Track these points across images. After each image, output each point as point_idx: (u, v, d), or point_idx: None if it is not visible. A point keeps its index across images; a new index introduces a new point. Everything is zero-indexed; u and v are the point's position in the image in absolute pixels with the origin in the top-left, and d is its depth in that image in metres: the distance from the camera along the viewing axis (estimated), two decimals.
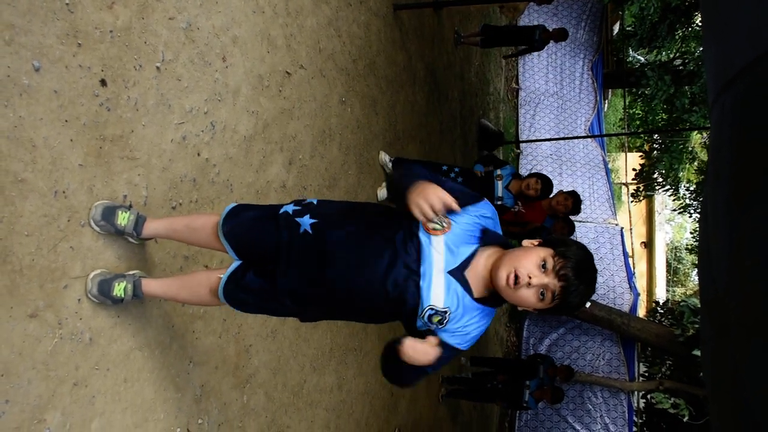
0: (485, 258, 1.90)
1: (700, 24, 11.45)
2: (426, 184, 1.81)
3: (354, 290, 1.93)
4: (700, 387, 10.11)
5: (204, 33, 2.85)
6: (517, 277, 1.78)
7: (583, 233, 11.92)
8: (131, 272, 2.36)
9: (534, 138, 12.14)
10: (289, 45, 3.61)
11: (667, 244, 26.72)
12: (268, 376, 3.45)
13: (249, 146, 3.22)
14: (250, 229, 2.15)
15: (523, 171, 12.13)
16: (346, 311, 2.08)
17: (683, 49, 13.23)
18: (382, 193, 4.72)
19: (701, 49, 12.07)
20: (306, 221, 2.03)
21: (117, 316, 2.33)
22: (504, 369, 7.54)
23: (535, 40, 7.99)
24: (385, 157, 4.75)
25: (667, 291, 24.67)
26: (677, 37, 12.30)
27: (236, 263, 2.19)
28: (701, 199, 13.25)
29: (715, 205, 5.24)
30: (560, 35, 8.02)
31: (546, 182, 4.92)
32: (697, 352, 9.54)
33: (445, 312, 1.85)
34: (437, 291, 1.84)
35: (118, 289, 2.24)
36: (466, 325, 1.90)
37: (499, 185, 4.76)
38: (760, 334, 3.86)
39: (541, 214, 6.10)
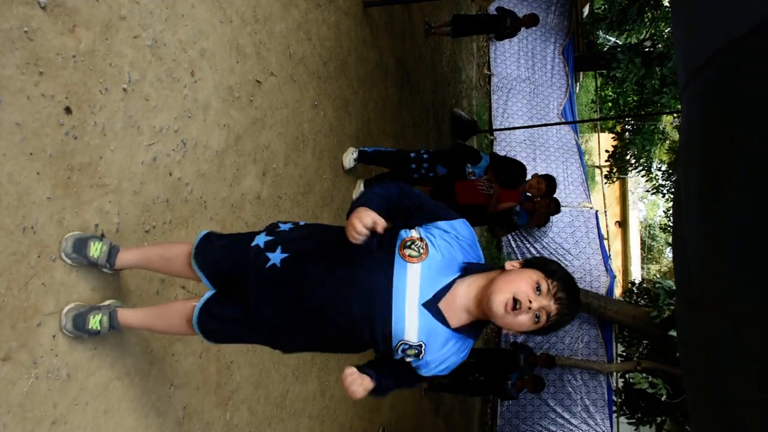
0: (466, 286, 1.87)
1: (669, 6, 11.52)
2: (361, 208, 1.79)
3: (327, 323, 1.90)
4: (676, 366, 10.29)
5: (171, 49, 2.78)
6: (516, 302, 1.76)
7: (558, 217, 12.01)
8: (106, 303, 2.30)
9: (507, 124, 12.17)
10: (259, 53, 3.54)
11: (641, 222, 27.04)
12: (250, 391, 3.42)
13: (221, 160, 3.17)
14: (223, 258, 2.11)
15: None
16: (322, 343, 2.05)
17: (653, 31, 13.33)
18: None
19: (670, 30, 12.16)
20: (277, 256, 1.99)
21: (94, 348, 2.28)
22: (485, 360, 7.58)
23: (507, 27, 7.97)
24: (350, 161, 4.70)
25: (642, 268, 25.00)
26: (647, 19, 12.37)
27: (210, 292, 2.15)
28: (674, 180, 13.41)
29: (688, 192, 5.28)
30: (531, 21, 8.00)
31: (518, 169, 4.90)
32: (674, 333, 9.70)
33: (420, 346, 1.83)
34: (410, 325, 1.81)
35: (94, 321, 2.19)
36: (445, 357, 1.88)
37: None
38: (728, 323, 3.91)
39: (517, 196, 6.11)
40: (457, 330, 1.87)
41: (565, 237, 11.99)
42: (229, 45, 3.25)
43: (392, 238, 1.91)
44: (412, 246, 1.85)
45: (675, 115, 12.35)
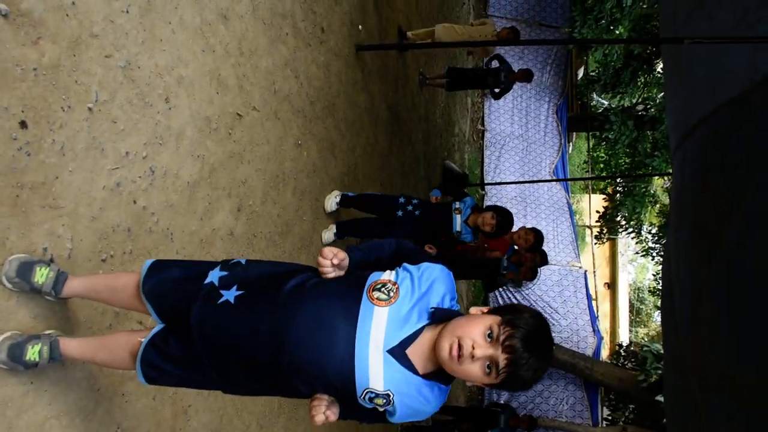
0: (432, 332, 1.72)
1: (662, 71, 11.67)
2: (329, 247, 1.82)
3: (283, 367, 1.73)
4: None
5: (145, 72, 2.67)
6: (460, 347, 1.61)
7: (546, 275, 11.90)
8: (48, 332, 2.13)
9: (499, 179, 12.16)
10: (242, 86, 3.45)
11: (630, 285, 26.94)
12: None
13: (193, 192, 3.03)
14: (172, 291, 1.94)
15: None
16: (277, 387, 1.87)
17: (645, 95, 13.49)
18: (327, 235, 4.54)
19: (663, 95, 12.31)
20: (231, 293, 1.83)
21: (30, 382, 2.10)
22: (465, 418, 7.32)
23: (501, 81, 8.00)
24: (332, 205, 4.59)
25: (630, 331, 24.79)
26: (639, 83, 12.53)
27: (159, 326, 1.99)
28: (664, 242, 13.34)
29: (678, 252, 5.14)
30: (525, 76, 8.04)
31: (504, 216, 4.79)
32: (661, 398, 9.47)
33: (388, 395, 1.66)
34: (375, 372, 1.65)
35: (32, 352, 2.01)
36: (416, 407, 1.72)
37: (458, 219, 4.61)
38: (718, 388, 3.71)
39: (505, 246, 6.01)
40: (428, 377, 1.71)
41: (553, 296, 11.85)
42: (210, 75, 3.15)
43: (362, 278, 1.78)
44: (382, 289, 1.71)
45: (666, 177, 12.39)
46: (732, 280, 3.93)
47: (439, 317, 1.74)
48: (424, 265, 1.82)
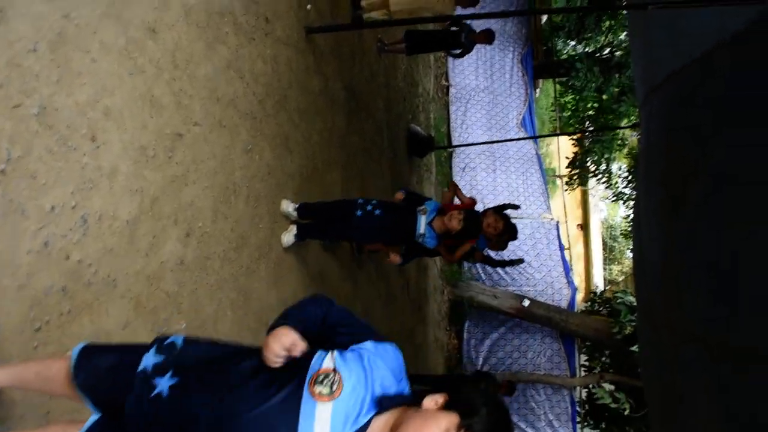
0: (382, 424, 1.59)
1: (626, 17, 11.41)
2: (280, 329, 1.63)
3: None
4: (639, 379, 10.22)
5: (64, 114, 2.43)
6: None
7: (519, 229, 11.84)
8: None
9: (466, 135, 11.98)
10: (179, 102, 3.20)
11: (603, 222, 27.21)
12: None
13: (134, 230, 2.82)
14: (105, 382, 1.79)
15: (457, 170, 11.95)
16: None
17: (611, 38, 13.26)
18: (287, 238, 4.35)
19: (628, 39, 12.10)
20: (165, 383, 1.68)
21: None
22: (443, 385, 7.33)
23: (461, 42, 7.72)
24: (288, 207, 4.37)
25: (605, 269, 25.16)
26: (604, 27, 12.28)
27: (95, 417, 1.83)
28: (634, 186, 13.31)
29: (646, 207, 5.04)
30: (486, 38, 7.76)
31: (471, 217, 4.61)
32: (636, 349, 9.62)
33: None
34: None
35: None
36: None
37: (422, 220, 4.42)
38: (689, 340, 3.70)
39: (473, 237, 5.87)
40: None
41: (526, 249, 11.85)
42: (141, 98, 2.90)
43: (304, 367, 1.62)
44: (324, 381, 1.57)
45: (635, 129, 12.30)
46: (697, 238, 3.89)
47: (387, 405, 1.61)
48: (366, 345, 1.67)
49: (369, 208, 4.36)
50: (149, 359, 1.77)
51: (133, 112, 2.83)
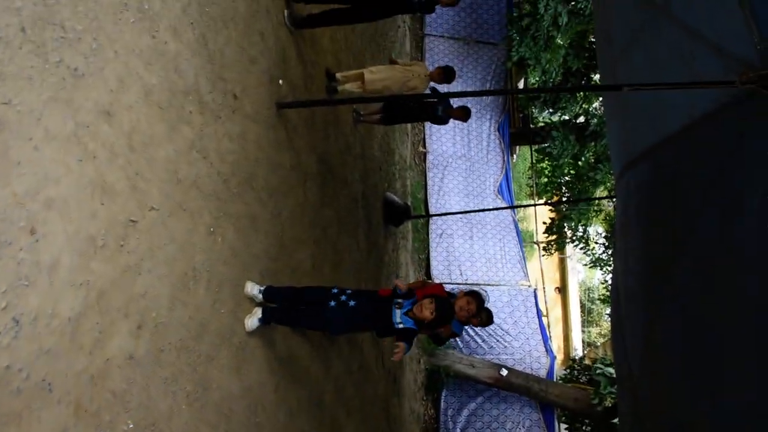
0: None
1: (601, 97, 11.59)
2: None
3: None
4: None
5: None
6: None
7: (496, 297, 11.74)
8: None
9: (443, 202, 11.99)
10: (135, 186, 3.03)
11: (580, 284, 27.13)
12: None
13: (76, 327, 2.60)
14: None
15: (434, 236, 11.87)
16: None
17: (585, 107, 13.46)
18: (251, 322, 4.13)
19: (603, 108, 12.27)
20: None
21: None
22: None
23: (438, 116, 7.73)
24: (253, 289, 4.17)
25: (583, 332, 24.96)
26: (579, 97, 12.47)
27: None
28: (611, 253, 13.25)
29: (627, 283, 4.90)
30: (462, 115, 7.77)
31: (444, 305, 4.43)
32: (617, 421, 9.39)
33: None
34: None
35: None
36: None
37: (398, 313, 4.25)
38: (669, 417, 3.52)
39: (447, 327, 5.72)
40: None
41: (503, 317, 11.70)
42: (91, 186, 2.73)
43: None
44: None
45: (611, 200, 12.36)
46: (683, 325, 3.77)
47: None
48: None
49: (343, 298, 4.19)
50: None
51: (80, 200, 2.66)
